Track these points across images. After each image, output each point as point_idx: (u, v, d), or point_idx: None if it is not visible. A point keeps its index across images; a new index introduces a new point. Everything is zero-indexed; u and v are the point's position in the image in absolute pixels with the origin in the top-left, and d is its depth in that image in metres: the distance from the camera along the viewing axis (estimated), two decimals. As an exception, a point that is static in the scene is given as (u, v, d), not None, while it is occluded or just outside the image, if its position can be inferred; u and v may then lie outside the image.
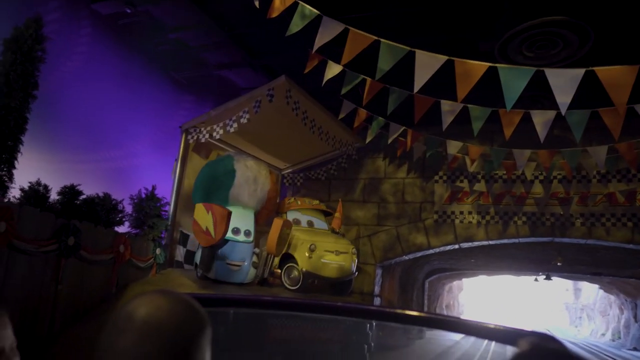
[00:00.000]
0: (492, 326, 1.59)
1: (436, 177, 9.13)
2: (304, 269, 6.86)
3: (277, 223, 6.49)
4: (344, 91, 6.22)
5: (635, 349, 17.60)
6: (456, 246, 9.19)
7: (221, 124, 6.69)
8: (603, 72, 4.61)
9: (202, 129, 6.92)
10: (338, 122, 7.68)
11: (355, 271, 7.73)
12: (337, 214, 8.19)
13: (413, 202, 9.25)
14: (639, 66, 4.49)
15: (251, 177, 6.62)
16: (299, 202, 7.91)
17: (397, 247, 9.20)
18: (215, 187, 6.49)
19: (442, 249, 9.27)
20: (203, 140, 6.91)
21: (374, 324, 7.08)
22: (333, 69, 5.86)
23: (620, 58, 4.96)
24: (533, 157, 7.87)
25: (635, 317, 19.02)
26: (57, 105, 6.25)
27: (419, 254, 9.52)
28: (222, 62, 8.12)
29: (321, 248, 7.07)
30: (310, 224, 7.81)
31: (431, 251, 9.35)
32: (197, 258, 6.43)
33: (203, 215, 6.06)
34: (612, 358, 13.61)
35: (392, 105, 6.26)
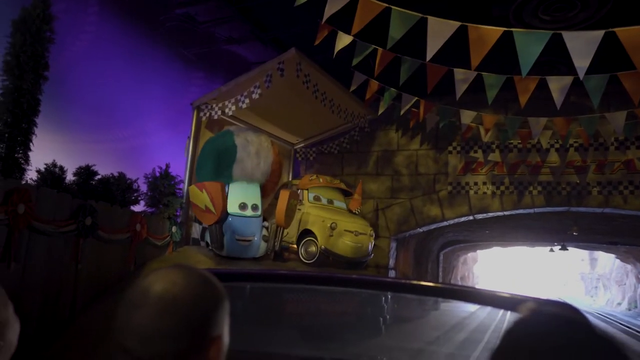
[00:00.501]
0: (507, 295, 1.57)
1: (450, 148, 9.03)
2: (323, 246, 6.92)
3: (284, 195, 6.48)
4: (355, 62, 6.12)
5: (652, 316, 17.58)
6: (471, 217, 9.14)
7: (233, 100, 6.65)
8: (624, 32, 4.46)
9: (214, 105, 6.88)
10: (349, 95, 7.59)
11: (372, 252, 7.79)
12: (356, 195, 8.21)
13: (427, 173, 9.19)
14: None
15: (253, 150, 6.54)
16: (321, 180, 7.92)
17: (411, 219, 9.18)
18: (217, 165, 6.43)
19: (456, 220, 9.22)
20: (215, 117, 6.88)
21: (389, 296, 7.13)
22: (343, 40, 5.75)
23: (641, 18, 4.79)
24: (549, 125, 7.72)
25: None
26: (68, 86, 6.25)
27: (433, 226, 9.50)
28: (231, 37, 8.03)
29: (341, 227, 7.12)
30: (330, 202, 7.85)
31: (445, 223, 9.32)
32: (207, 237, 6.46)
33: (198, 196, 6.06)
34: (628, 327, 13.58)
35: (404, 75, 6.15)
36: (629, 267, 21.61)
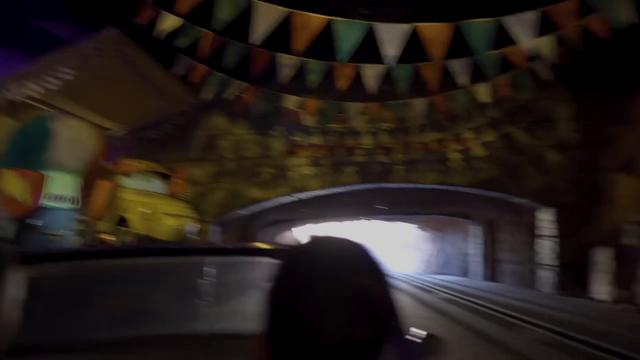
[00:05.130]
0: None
1: (274, 133, 9.39)
2: (140, 233, 6.67)
3: (103, 185, 6.10)
4: (181, 44, 5.92)
5: (441, 273, 20.64)
6: (292, 198, 9.71)
7: (38, 81, 5.89)
8: (424, 27, 5.17)
9: (14, 87, 6.01)
10: (174, 78, 7.30)
11: (195, 235, 7.75)
12: (178, 180, 8.05)
13: (251, 157, 9.45)
14: (455, 24, 5.11)
15: (71, 137, 5.89)
16: (137, 165, 7.56)
17: (234, 202, 9.41)
18: (28, 151, 5.66)
19: (278, 200, 9.71)
20: (18, 100, 6.02)
21: (212, 267, 7.17)
22: (168, 20, 5.51)
23: (444, 16, 5.51)
24: (364, 110, 8.52)
25: (442, 248, 22.32)
26: None
27: (256, 208, 9.84)
28: (36, 10, 7.01)
29: (160, 211, 6.95)
30: (148, 186, 7.55)
31: (269, 204, 9.74)
32: (8, 232, 5.64)
33: (13, 182, 5.35)
34: (420, 283, 15.25)
35: (230, 60, 6.17)
36: (426, 234, 24.98)
